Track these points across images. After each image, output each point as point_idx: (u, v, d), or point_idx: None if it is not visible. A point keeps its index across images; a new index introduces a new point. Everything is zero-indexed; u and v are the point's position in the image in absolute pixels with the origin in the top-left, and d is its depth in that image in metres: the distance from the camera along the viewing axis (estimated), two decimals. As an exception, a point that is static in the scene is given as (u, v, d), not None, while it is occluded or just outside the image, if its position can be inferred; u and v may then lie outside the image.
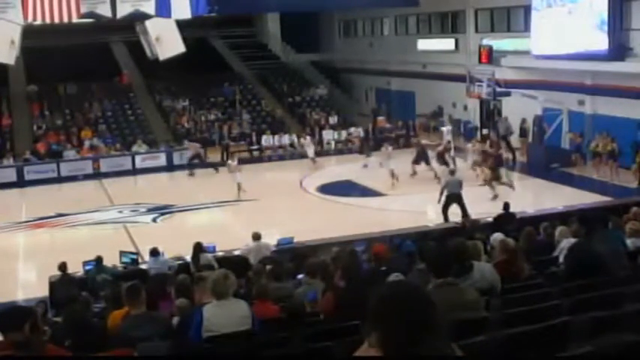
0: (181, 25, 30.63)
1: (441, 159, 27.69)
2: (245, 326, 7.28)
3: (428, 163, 28.29)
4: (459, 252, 7.52)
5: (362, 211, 24.60)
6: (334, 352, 6.55)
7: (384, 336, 3.06)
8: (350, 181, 28.79)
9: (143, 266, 16.94)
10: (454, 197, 21.37)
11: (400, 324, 3.02)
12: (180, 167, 33.40)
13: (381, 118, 39.99)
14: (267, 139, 37.36)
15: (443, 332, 3.08)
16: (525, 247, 11.75)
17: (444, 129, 31.98)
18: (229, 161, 29.04)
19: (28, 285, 18.56)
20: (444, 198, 21.51)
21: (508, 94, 31.64)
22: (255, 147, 37.20)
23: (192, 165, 32.80)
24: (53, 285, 15.85)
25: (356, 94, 47.93)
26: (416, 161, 28.51)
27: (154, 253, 16.70)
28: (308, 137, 34.95)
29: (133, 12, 28.49)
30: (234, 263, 14.01)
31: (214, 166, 32.57)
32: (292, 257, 15.93)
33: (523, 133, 32.22)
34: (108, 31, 43.78)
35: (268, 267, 12.91)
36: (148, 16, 29.36)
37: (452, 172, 23.06)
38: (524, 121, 32.04)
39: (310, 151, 33.06)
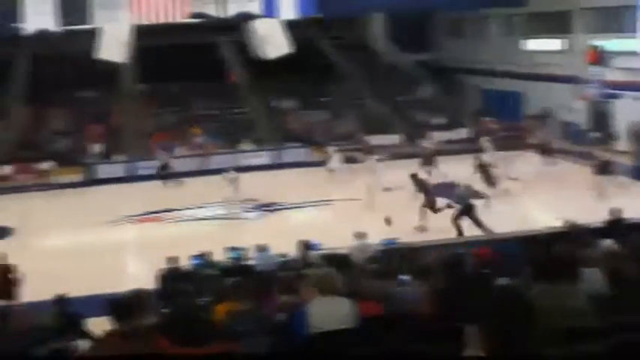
0: (288, 25, 30.96)
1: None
2: (348, 324, 7.31)
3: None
4: (565, 257, 7.38)
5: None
6: (435, 354, 6.54)
7: (487, 338, 3.05)
8: (454, 183, 28.51)
9: (249, 262, 17.20)
10: (468, 208, 21.49)
11: (503, 327, 3.01)
12: (287, 165, 33.71)
13: (486, 119, 39.52)
14: (372, 139, 37.41)
15: (545, 337, 3.06)
16: (635, 254, 11.43)
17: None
18: None
19: (137, 277, 19.03)
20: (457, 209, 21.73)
21: (618, 97, 30.81)
22: (360, 147, 37.30)
23: (164, 175, 32.89)
24: (161, 278, 16.24)
25: (462, 94, 47.46)
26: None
27: (261, 249, 16.92)
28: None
29: (241, 12, 28.94)
30: (339, 261, 14.08)
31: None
32: (396, 257, 15.90)
33: (635, 136, 31.29)
34: (216, 30, 44.50)
35: (372, 266, 12.93)
36: (255, 17, 29.79)
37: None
38: (636, 124, 31.13)
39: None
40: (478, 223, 21.14)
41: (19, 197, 32.73)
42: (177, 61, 42.02)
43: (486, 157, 27.71)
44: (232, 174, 27.69)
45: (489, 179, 25.94)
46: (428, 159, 30.29)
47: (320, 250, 17.17)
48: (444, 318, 7.67)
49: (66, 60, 39.94)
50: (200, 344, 7.06)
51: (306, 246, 16.42)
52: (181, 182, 31.80)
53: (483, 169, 26.38)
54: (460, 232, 21.09)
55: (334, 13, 40.13)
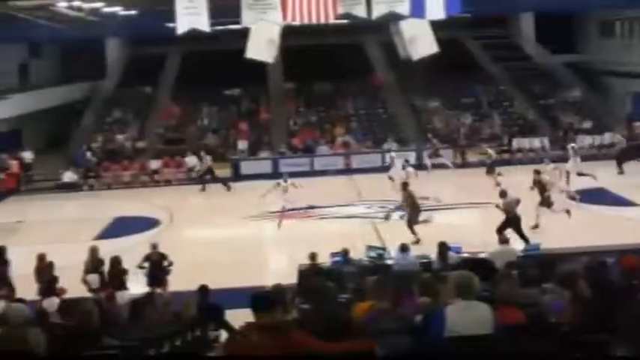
0: (434, 25, 30.72)
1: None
2: (486, 330, 7.21)
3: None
4: None
5: (614, 220, 23.51)
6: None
7: (633, 350, 2.96)
8: (602, 189, 27.64)
9: (388, 262, 17.23)
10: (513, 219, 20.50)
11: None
12: (433, 166, 33.47)
13: (637, 124, 38.00)
14: (518, 142, 36.82)
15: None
16: None
17: None
18: None
19: (279, 272, 19.35)
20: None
21: None
22: (505, 149, 36.75)
23: (204, 180, 33.12)
24: (302, 273, 16.50)
25: (612, 97, 45.75)
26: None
27: (404, 249, 16.90)
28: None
29: (388, 13, 28.89)
30: (479, 266, 13.88)
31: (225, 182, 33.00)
32: (539, 264, 15.56)
33: None
34: (361, 31, 44.62)
35: (514, 272, 12.68)
36: (402, 17, 29.68)
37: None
38: None
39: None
40: None
41: (167, 190, 34.03)
42: (324, 61, 42.49)
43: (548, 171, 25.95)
44: (284, 182, 26.78)
45: (542, 197, 23.70)
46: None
47: (460, 253, 17.01)
48: (589, 328, 7.45)
49: (215, 58, 41.05)
50: (339, 340, 7.11)
51: (447, 248, 16.32)
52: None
53: (539, 186, 24.05)
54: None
55: (482, 13, 39.63)
